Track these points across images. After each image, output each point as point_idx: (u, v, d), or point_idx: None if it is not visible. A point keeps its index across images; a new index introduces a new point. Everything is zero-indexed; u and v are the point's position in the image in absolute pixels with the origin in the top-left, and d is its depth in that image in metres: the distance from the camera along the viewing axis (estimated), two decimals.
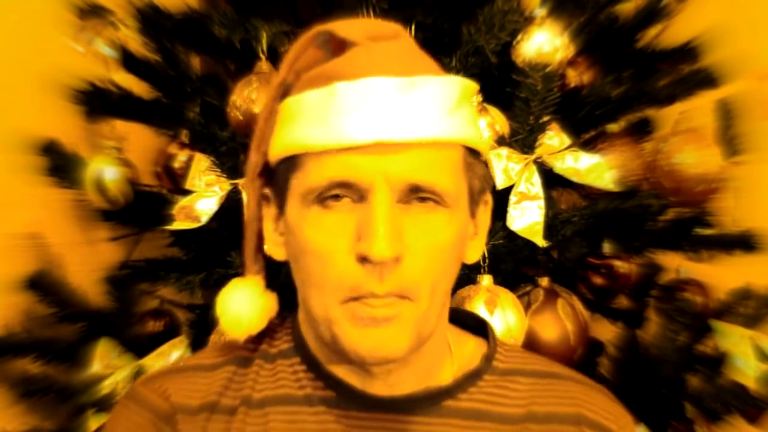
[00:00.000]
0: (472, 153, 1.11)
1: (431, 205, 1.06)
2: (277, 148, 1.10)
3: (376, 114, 1.04)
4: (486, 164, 1.15)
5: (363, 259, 1.03)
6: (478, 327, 1.23)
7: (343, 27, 1.09)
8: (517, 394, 1.15)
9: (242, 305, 1.14)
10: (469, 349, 1.19)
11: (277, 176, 1.12)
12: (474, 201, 1.13)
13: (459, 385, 1.15)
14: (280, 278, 1.19)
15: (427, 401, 1.12)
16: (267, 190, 1.15)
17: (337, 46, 1.09)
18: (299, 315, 1.17)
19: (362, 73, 1.05)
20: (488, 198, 1.17)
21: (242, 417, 1.14)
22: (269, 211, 1.15)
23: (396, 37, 1.10)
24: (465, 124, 1.09)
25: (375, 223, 1.02)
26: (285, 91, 1.12)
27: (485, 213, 1.17)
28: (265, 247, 1.16)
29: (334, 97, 1.05)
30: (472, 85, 1.12)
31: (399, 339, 1.05)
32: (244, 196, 1.15)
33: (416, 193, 1.05)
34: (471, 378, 1.16)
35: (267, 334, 1.19)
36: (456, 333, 1.20)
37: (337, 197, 1.05)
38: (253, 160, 1.14)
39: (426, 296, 1.06)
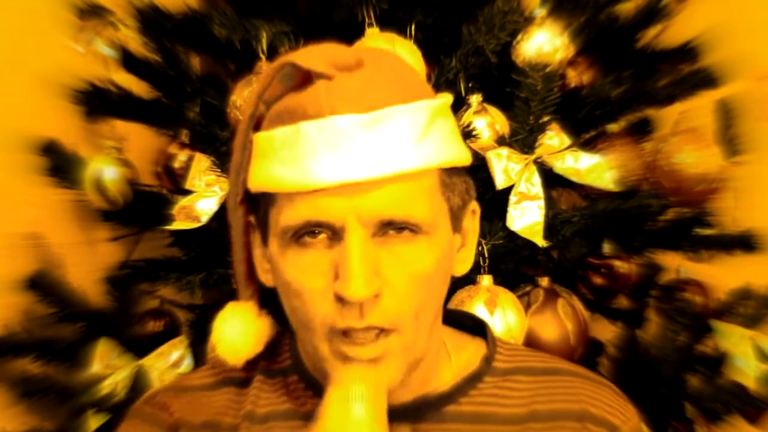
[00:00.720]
0: (450, 171, 1.10)
1: (408, 234, 1.05)
2: (254, 182, 1.10)
3: (342, 154, 1.03)
4: (468, 174, 1.13)
5: (341, 299, 1.03)
6: (476, 327, 1.22)
7: (305, 57, 1.06)
8: (519, 394, 1.15)
9: (237, 332, 1.14)
10: (467, 352, 1.18)
11: (258, 206, 1.11)
12: (456, 217, 1.11)
13: (459, 390, 1.14)
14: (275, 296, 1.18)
15: (428, 408, 1.12)
16: (252, 218, 1.14)
17: (304, 78, 1.07)
18: (296, 336, 1.18)
19: (326, 111, 1.04)
20: (475, 207, 1.16)
21: None
22: (256, 238, 1.14)
23: (359, 66, 1.07)
24: (438, 147, 1.07)
25: (350, 263, 1.02)
26: (257, 122, 1.11)
27: (473, 222, 1.16)
28: (257, 271, 1.16)
29: (300, 137, 1.04)
30: (445, 102, 1.10)
31: (390, 373, 1.05)
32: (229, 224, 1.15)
33: (391, 225, 1.04)
34: (471, 381, 1.15)
35: (265, 352, 1.19)
36: (453, 336, 1.20)
37: (312, 233, 1.04)
38: (233, 191, 1.13)
39: (410, 326, 1.06)
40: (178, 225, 1.74)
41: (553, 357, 1.23)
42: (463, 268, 1.14)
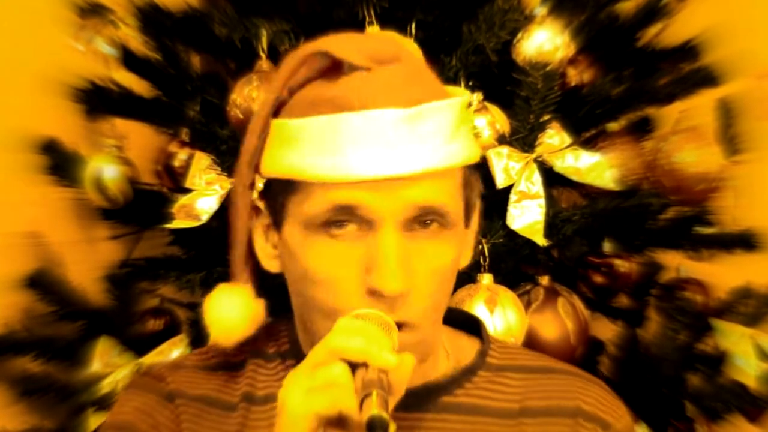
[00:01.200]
0: (471, 169, 1.12)
1: (435, 228, 1.06)
2: (274, 169, 1.10)
3: (382, 148, 1.03)
4: (479, 172, 1.15)
5: (373, 293, 1.03)
6: (470, 326, 1.23)
7: (340, 46, 1.07)
8: (512, 390, 1.15)
9: (232, 313, 1.13)
10: (463, 347, 1.19)
11: (271, 192, 1.11)
12: (468, 214, 1.13)
13: (455, 381, 1.15)
14: (269, 281, 1.18)
15: (424, 397, 1.12)
16: (259, 203, 1.14)
17: (333, 67, 1.07)
18: (295, 321, 1.17)
19: (369, 104, 1.04)
20: (479, 203, 1.17)
21: (243, 413, 1.14)
22: (260, 222, 1.14)
23: (398, 60, 1.08)
24: (466, 144, 1.09)
25: (387, 257, 1.02)
26: (278, 108, 1.11)
27: (477, 218, 1.17)
28: (257, 255, 1.15)
29: (341, 127, 1.04)
30: (468, 97, 1.14)
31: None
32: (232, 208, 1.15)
33: (422, 217, 1.05)
34: (466, 374, 1.16)
35: (257, 337, 1.19)
36: (449, 332, 1.20)
37: (341, 224, 1.05)
38: (245, 175, 1.12)
39: (429, 322, 1.07)
40: (178, 223, 1.74)
41: (544, 356, 1.24)
42: (465, 261, 1.15)
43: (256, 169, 1.12)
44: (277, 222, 1.11)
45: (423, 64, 1.12)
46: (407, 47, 1.14)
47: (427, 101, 1.05)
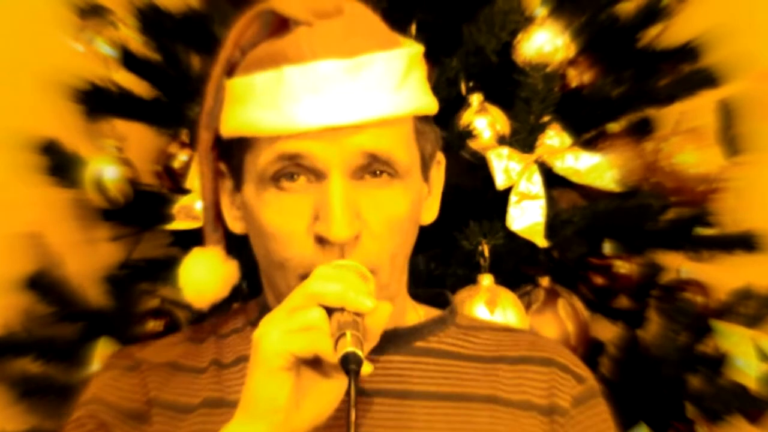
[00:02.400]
0: (423, 119, 1.14)
1: (385, 178, 1.08)
2: (229, 127, 1.12)
3: (325, 98, 1.06)
4: (435, 125, 1.17)
5: (322, 240, 1.05)
6: (438, 304, 1.25)
7: (285, 3, 1.10)
8: (485, 342, 1.18)
9: (204, 275, 1.17)
10: (428, 310, 1.22)
11: (231, 152, 1.13)
12: (426, 165, 1.15)
13: (427, 327, 1.17)
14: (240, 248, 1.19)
15: (397, 340, 1.14)
16: (221, 165, 1.17)
17: (281, 24, 1.10)
18: (264, 287, 1.19)
19: (309, 56, 1.07)
20: (440, 158, 1.19)
21: (214, 374, 1.16)
22: (225, 185, 1.17)
23: (340, 12, 1.10)
24: (415, 94, 1.11)
25: (332, 204, 1.04)
26: (231, 68, 1.14)
27: (438, 172, 1.19)
28: (224, 218, 1.18)
29: (283, 81, 1.07)
30: (419, 50, 1.14)
31: None
32: (198, 171, 1.17)
33: (371, 167, 1.07)
34: (438, 323, 1.18)
35: (223, 319, 1.22)
36: (416, 304, 1.23)
37: (291, 177, 1.07)
38: (204, 137, 1.15)
39: (387, 268, 1.09)
40: (178, 224, 1.74)
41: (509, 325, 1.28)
42: (429, 216, 1.18)
43: (215, 131, 1.14)
44: (237, 183, 1.13)
45: (371, 16, 1.14)
46: (354, 1, 1.16)
47: (369, 51, 1.08)
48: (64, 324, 1.85)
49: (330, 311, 0.99)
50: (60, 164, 1.85)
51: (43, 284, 1.85)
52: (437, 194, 1.19)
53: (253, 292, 1.25)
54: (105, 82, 1.82)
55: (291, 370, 0.98)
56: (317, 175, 1.06)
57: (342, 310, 0.99)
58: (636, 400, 1.68)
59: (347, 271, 1.03)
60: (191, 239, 1.81)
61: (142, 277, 1.86)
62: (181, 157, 1.86)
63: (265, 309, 1.16)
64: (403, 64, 1.10)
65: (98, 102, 1.82)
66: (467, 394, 1.13)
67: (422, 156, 1.13)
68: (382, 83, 1.08)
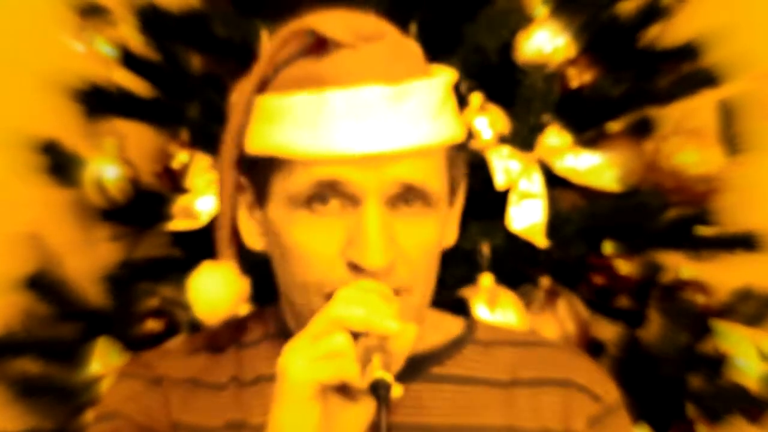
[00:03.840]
0: (455, 147, 1.12)
1: (419, 206, 1.07)
2: (259, 146, 1.10)
3: (367, 124, 1.04)
4: (465, 150, 1.16)
5: (355, 267, 1.04)
6: (456, 310, 1.24)
7: (326, 24, 1.07)
8: (503, 361, 1.16)
9: (217, 289, 1.13)
10: (449, 324, 1.20)
11: (256, 169, 1.11)
12: (453, 192, 1.14)
13: (444, 352, 1.15)
14: (253, 264, 1.18)
15: (414, 367, 1.11)
16: (243, 180, 1.14)
17: (321, 44, 1.08)
18: (281, 303, 1.17)
19: (353, 80, 1.05)
20: (463, 183, 1.18)
21: (236, 392, 1.14)
22: (244, 199, 1.14)
23: (382, 37, 1.09)
24: (450, 123, 1.10)
25: (368, 231, 1.03)
26: (263, 85, 1.11)
27: (460, 196, 1.18)
28: (241, 234, 1.15)
29: (325, 104, 1.05)
30: (452, 75, 1.13)
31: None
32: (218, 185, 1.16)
33: (405, 196, 1.06)
34: (455, 345, 1.16)
35: (241, 325, 1.19)
36: (434, 312, 1.20)
37: (324, 199, 1.05)
38: (230, 153, 1.13)
39: (420, 288, 1.08)
40: (178, 224, 1.74)
41: (532, 332, 1.24)
42: (451, 238, 1.17)
43: (241, 146, 1.12)
44: (261, 199, 1.11)
45: (408, 42, 1.13)
46: (391, 26, 1.14)
47: (411, 78, 1.06)
48: (64, 324, 1.85)
49: (355, 335, 0.98)
50: (60, 164, 1.85)
51: (43, 284, 1.85)
52: (457, 217, 1.17)
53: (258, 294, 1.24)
54: (105, 81, 1.82)
55: (318, 398, 0.96)
56: (352, 200, 1.05)
57: (367, 333, 0.97)
58: (636, 400, 1.68)
59: (370, 293, 1.01)
60: (191, 239, 1.83)
61: (142, 276, 1.86)
62: (181, 156, 1.87)
63: (282, 324, 1.15)
64: (440, 93, 1.09)
65: (98, 102, 1.83)
66: (485, 425, 1.12)
67: (451, 184, 1.12)
68: (422, 112, 1.06)
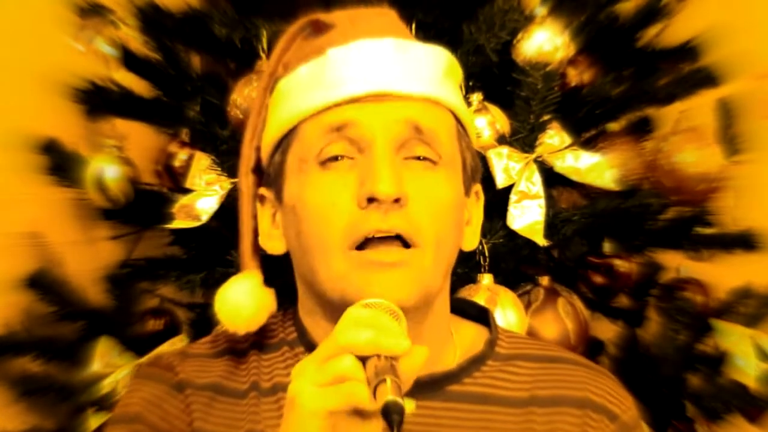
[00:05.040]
0: (463, 126, 1.14)
1: (429, 164, 1.08)
2: (272, 132, 1.12)
3: (373, 67, 1.07)
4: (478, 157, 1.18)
5: (368, 201, 1.05)
6: (479, 315, 1.23)
7: (327, 14, 1.12)
8: (521, 378, 1.15)
9: (242, 299, 1.14)
10: (471, 336, 1.19)
11: (272, 168, 1.13)
12: (467, 176, 1.15)
13: (463, 370, 1.14)
14: (276, 276, 1.18)
15: (432, 386, 1.12)
16: (261, 190, 1.16)
17: (319, 27, 1.12)
18: (300, 307, 1.18)
19: (354, 37, 1.08)
20: (479, 189, 1.19)
21: (254, 401, 1.14)
22: (265, 210, 1.16)
23: (381, 14, 1.14)
24: (455, 95, 1.13)
25: (377, 164, 1.05)
26: (275, 84, 1.14)
27: (477, 206, 1.19)
28: (260, 241, 1.16)
29: (327, 62, 1.08)
30: (458, 64, 1.16)
31: (407, 285, 1.06)
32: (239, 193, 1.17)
33: (415, 145, 1.07)
34: (475, 363, 1.15)
35: (261, 328, 1.18)
36: (457, 320, 1.20)
37: (335, 159, 1.07)
38: (246, 155, 1.15)
39: (431, 245, 1.07)
40: (178, 224, 1.74)
41: (553, 345, 1.26)
42: (471, 243, 1.17)
43: (258, 151, 1.14)
44: (279, 194, 1.13)
45: (407, 29, 1.18)
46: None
47: (413, 40, 1.12)
48: (64, 323, 1.85)
49: (365, 357, 0.95)
50: (60, 164, 1.85)
51: (43, 284, 1.85)
52: (477, 225, 1.18)
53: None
54: (105, 81, 1.82)
55: (328, 423, 0.94)
56: (362, 147, 1.06)
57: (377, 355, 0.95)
58: (636, 399, 1.68)
59: (378, 311, 1.01)
60: (191, 239, 1.83)
61: (142, 276, 1.86)
62: (182, 156, 1.87)
63: (301, 329, 1.16)
64: (445, 61, 1.12)
65: (98, 101, 1.83)
66: None
67: (464, 161, 1.13)
68: (428, 68, 1.09)
